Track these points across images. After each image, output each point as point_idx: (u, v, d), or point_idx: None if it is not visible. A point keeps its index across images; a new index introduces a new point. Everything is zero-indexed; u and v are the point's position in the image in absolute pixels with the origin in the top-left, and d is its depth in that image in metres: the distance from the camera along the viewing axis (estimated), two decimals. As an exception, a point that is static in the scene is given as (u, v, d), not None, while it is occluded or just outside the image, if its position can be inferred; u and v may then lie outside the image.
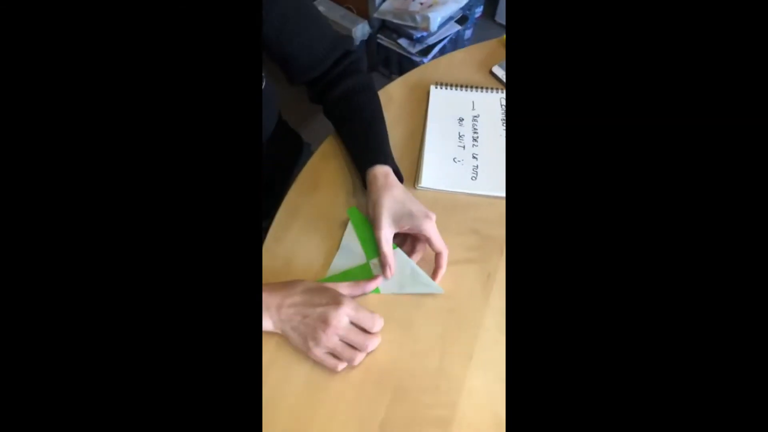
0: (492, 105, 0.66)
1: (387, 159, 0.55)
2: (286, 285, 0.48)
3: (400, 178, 0.56)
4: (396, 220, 0.51)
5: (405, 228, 0.51)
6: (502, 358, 0.47)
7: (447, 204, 0.57)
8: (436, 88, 0.68)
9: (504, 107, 0.66)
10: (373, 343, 0.46)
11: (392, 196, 0.52)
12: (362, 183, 0.57)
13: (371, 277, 0.51)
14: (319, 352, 0.45)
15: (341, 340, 0.45)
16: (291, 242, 0.55)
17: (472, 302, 0.51)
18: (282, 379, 0.46)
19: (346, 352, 0.45)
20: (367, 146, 0.57)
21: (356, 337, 0.45)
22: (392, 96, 0.68)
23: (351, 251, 0.53)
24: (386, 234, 0.51)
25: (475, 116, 0.65)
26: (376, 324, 0.46)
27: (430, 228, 0.50)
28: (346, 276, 0.52)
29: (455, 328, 0.49)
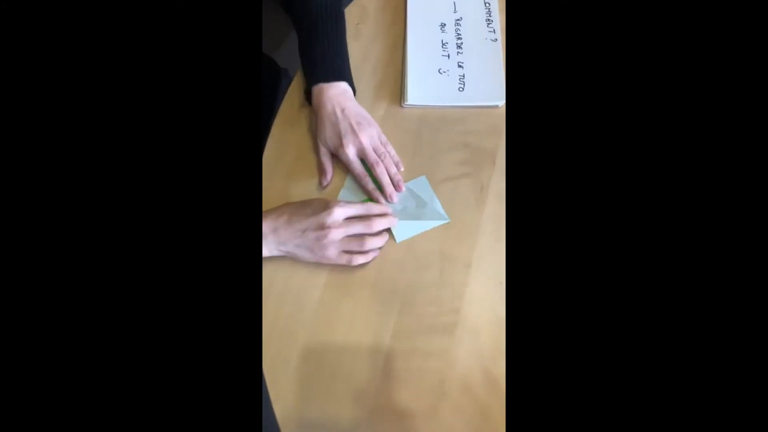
0: (476, 4, 0.62)
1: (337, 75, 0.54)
2: (272, 209, 0.49)
3: (354, 91, 0.56)
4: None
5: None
6: (499, 263, 0.50)
7: (435, 120, 0.56)
8: (414, -9, 0.63)
9: (488, 5, 0.62)
10: (378, 224, 0.49)
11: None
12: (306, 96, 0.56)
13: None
14: (331, 254, 0.48)
15: (345, 236, 0.48)
16: (284, 174, 0.55)
17: (468, 215, 0.52)
18: (296, 306, 0.49)
19: (354, 243, 0.48)
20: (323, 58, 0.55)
21: (357, 226, 0.48)
22: (366, 7, 0.63)
23: (355, 189, 0.54)
24: (351, 153, 0.52)
25: (458, 20, 0.61)
26: (372, 209, 0.50)
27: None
28: None
29: (452, 241, 0.51)
